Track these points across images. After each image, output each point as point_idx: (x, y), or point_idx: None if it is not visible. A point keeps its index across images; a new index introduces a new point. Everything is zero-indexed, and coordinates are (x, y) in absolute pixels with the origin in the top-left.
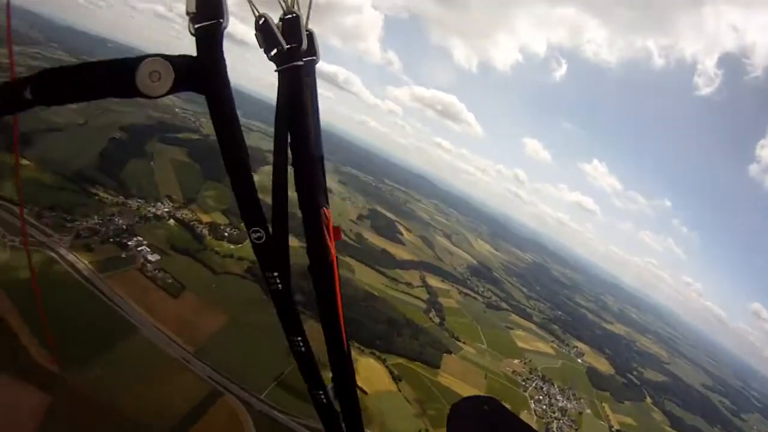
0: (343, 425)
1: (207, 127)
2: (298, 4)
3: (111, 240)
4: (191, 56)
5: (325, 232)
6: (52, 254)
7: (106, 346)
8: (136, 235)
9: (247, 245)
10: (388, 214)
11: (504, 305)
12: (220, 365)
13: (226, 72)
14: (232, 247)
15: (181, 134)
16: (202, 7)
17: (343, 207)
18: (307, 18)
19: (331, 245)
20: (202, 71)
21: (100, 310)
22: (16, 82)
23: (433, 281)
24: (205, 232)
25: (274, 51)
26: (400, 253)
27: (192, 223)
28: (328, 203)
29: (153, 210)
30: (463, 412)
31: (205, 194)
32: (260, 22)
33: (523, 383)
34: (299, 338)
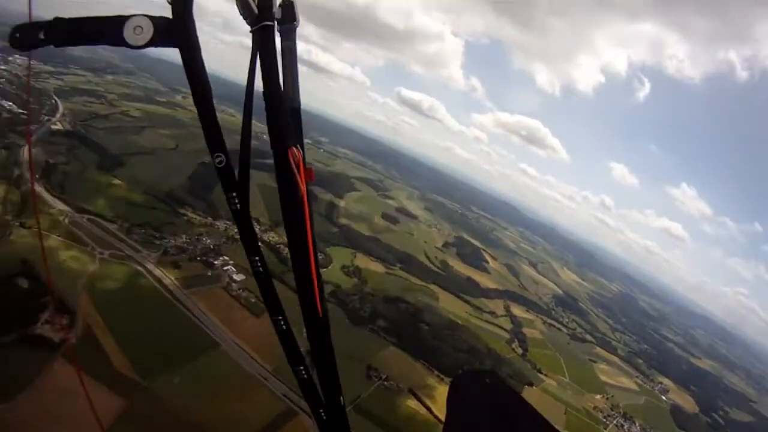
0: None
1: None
2: None
3: (198, 258)
4: (168, 18)
5: (294, 169)
6: (139, 268)
7: (186, 359)
8: (222, 255)
9: (332, 269)
10: (474, 242)
11: (588, 337)
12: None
13: (195, 30)
14: None
15: (267, 159)
16: None
17: (429, 234)
18: None
19: (302, 183)
20: (177, 29)
21: (183, 324)
22: (33, 24)
23: (518, 311)
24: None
25: (249, 16)
26: (485, 281)
27: (278, 246)
28: (300, 146)
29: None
30: (464, 386)
31: None
32: None
33: (604, 420)
34: (257, 258)
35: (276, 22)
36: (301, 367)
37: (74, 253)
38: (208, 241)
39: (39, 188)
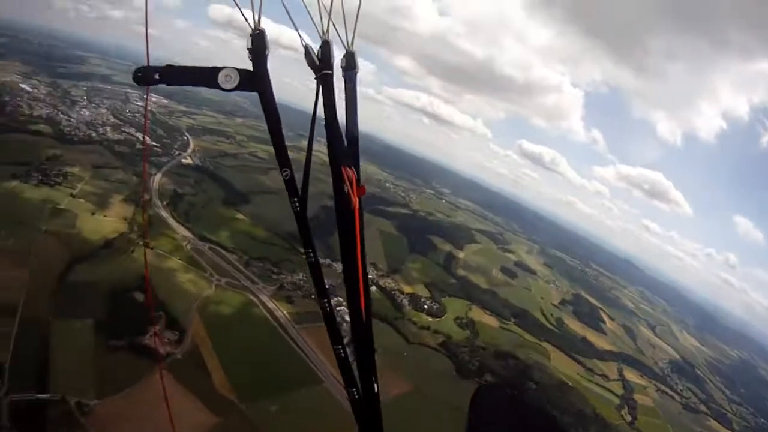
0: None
1: (416, 202)
2: (332, 31)
3: (312, 296)
4: (250, 69)
5: (347, 184)
6: (253, 298)
7: (286, 389)
8: (337, 296)
9: (446, 320)
10: (592, 300)
11: (703, 408)
12: (393, 429)
13: (269, 79)
14: (430, 319)
15: (390, 207)
16: (255, 44)
17: (546, 290)
18: (352, 42)
19: (353, 196)
20: (256, 79)
21: (288, 356)
22: (152, 67)
23: (631, 375)
24: (405, 302)
25: (313, 66)
26: (601, 342)
27: (393, 292)
28: (354, 168)
29: None
30: (485, 396)
31: (410, 266)
32: (306, 49)
33: None
34: (310, 249)
35: (341, 69)
36: (339, 347)
37: (192, 276)
38: (325, 281)
39: (165, 214)
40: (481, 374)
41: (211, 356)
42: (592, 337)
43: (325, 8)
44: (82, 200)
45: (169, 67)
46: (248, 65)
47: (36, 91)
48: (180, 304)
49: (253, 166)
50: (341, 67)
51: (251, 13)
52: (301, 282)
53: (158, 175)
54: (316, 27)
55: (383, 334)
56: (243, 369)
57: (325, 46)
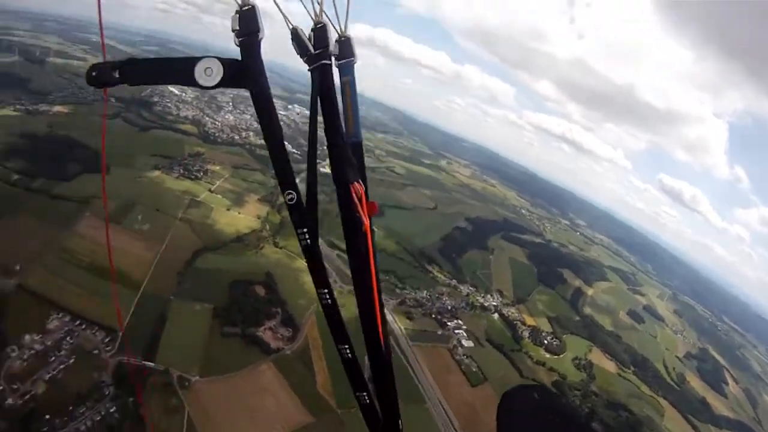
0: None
1: (551, 232)
2: (328, 15)
3: (432, 315)
4: (238, 59)
5: (357, 204)
6: None
7: None
8: (457, 318)
9: (564, 358)
10: (718, 358)
11: None
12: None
13: (264, 72)
14: (547, 355)
15: (524, 235)
16: (243, 25)
17: (672, 341)
18: (345, 26)
19: (364, 217)
20: (246, 71)
21: (396, 370)
22: (109, 63)
23: None
24: (525, 334)
25: (306, 55)
26: (719, 405)
27: (515, 322)
28: (362, 180)
29: (481, 300)
30: (513, 401)
31: (536, 297)
32: (293, 33)
33: None
34: (326, 291)
35: (334, 58)
36: (365, 393)
37: None
38: (448, 301)
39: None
40: (589, 421)
41: (319, 357)
42: (711, 398)
43: None
44: (219, 196)
45: (132, 61)
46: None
47: (184, 94)
48: (300, 304)
49: (390, 181)
50: (334, 55)
51: None
52: (424, 300)
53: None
54: (306, 7)
55: (496, 364)
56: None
57: (320, 30)
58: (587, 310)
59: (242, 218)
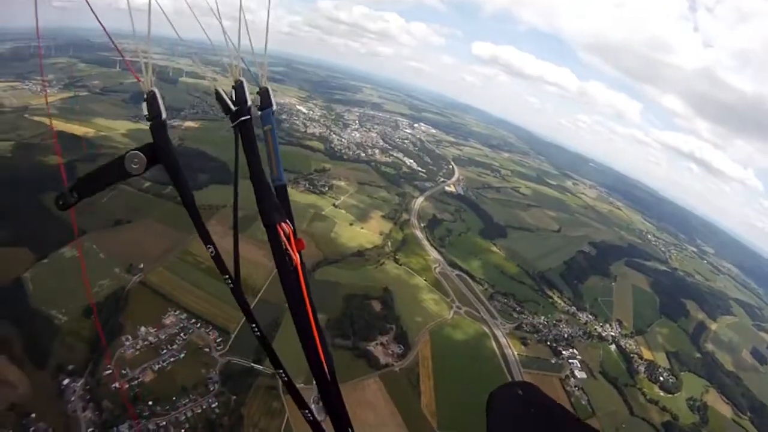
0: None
1: (677, 260)
2: (258, 75)
3: (548, 342)
4: (150, 142)
5: (285, 243)
6: (488, 331)
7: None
8: (573, 348)
9: (678, 397)
10: None
11: None
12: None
13: (172, 147)
14: (661, 393)
15: (648, 262)
16: (150, 111)
17: None
18: (264, 77)
19: (294, 253)
20: (159, 150)
21: None
22: (68, 188)
23: None
24: (642, 368)
25: (228, 112)
26: None
27: (632, 355)
28: (289, 220)
29: (599, 329)
30: (501, 399)
31: (657, 330)
32: (216, 93)
33: None
34: (254, 325)
35: (257, 109)
36: (307, 411)
37: (435, 297)
38: (565, 329)
39: (421, 235)
40: None
41: (427, 376)
42: None
43: (235, 46)
44: (343, 211)
45: (79, 180)
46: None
47: (311, 113)
48: (416, 321)
49: (514, 201)
50: (256, 106)
51: (145, 73)
52: (541, 326)
53: (420, 199)
54: (228, 67)
55: (608, 398)
56: (453, 397)
57: (240, 88)
58: (709, 347)
59: (365, 233)
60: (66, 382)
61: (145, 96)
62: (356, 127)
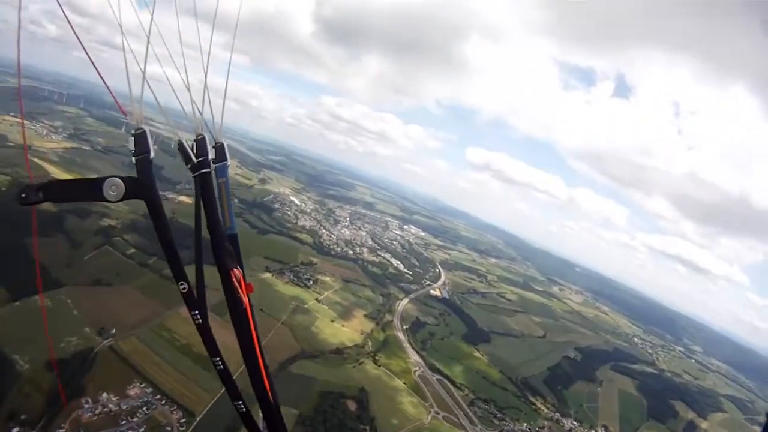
0: None
1: (664, 361)
2: (210, 127)
3: None
4: (135, 177)
5: (237, 287)
6: None
7: None
8: None
9: None
10: None
11: None
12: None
13: (155, 185)
14: None
15: (635, 365)
16: (137, 147)
17: None
18: (220, 132)
19: (244, 296)
20: (142, 186)
21: None
22: (34, 186)
23: None
24: None
25: (190, 164)
26: None
27: None
28: (239, 266)
29: None
30: None
31: None
32: (179, 144)
33: None
34: (218, 359)
35: (212, 161)
36: (240, 402)
37: (413, 400)
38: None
39: (403, 337)
40: None
41: None
42: None
43: (197, 104)
44: (326, 306)
45: (51, 183)
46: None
47: (304, 205)
48: (390, 424)
49: (499, 306)
50: (212, 159)
51: (135, 108)
52: None
53: (404, 300)
54: (191, 122)
55: None
56: None
57: (201, 141)
58: None
59: (346, 331)
60: (15, 430)
61: (134, 131)
62: (347, 224)
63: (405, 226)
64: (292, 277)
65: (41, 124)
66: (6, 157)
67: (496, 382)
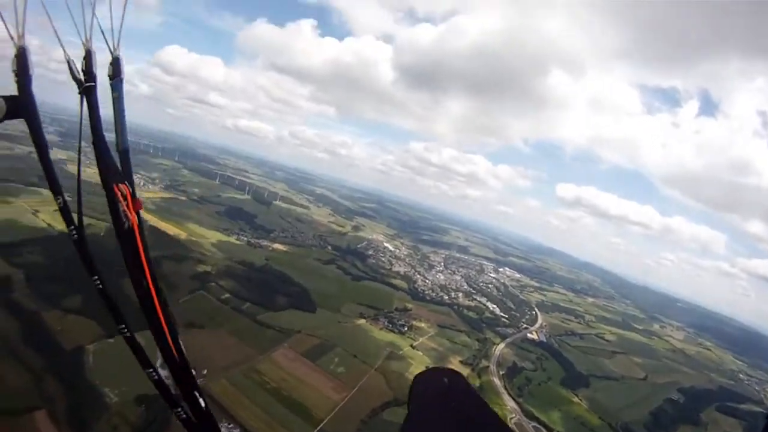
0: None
1: None
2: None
3: None
4: (15, 95)
5: (122, 202)
6: None
7: None
8: None
9: None
10: None
11: None
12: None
13: (35, 103)
14: None
15: (742, 404)
16: (18, 66)
17: None
18: (117, 46)
19: (131, 213)
20: (21, 104)
21: None
22: None
23: None
24: None
25: (77, 81)
26: None
27: None
28: (127, 181)
29: None
30: (424, 384)
31: None
32: (68, 62)
33: None
34: (95, 278)
35: (108, 78)
36: (151, 370)
37: None
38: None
39: (499, 383)
40: None
41: None
42: None
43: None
44: (420, 352)
45: None
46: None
47: (398, 251)
48: None
49: (598, 348)
50: (108, 75)
51: (15, 26)
52: None
53: (501, 345)
54: (80, 35)
55: None
56: None
57: (88, 56)
58: None
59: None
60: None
61: (16, 51)
62: (441, 269)
63: (500, 269)
64: (386, 323)
65: (138, 175)
66: (105, 204)
67: (595, 428)
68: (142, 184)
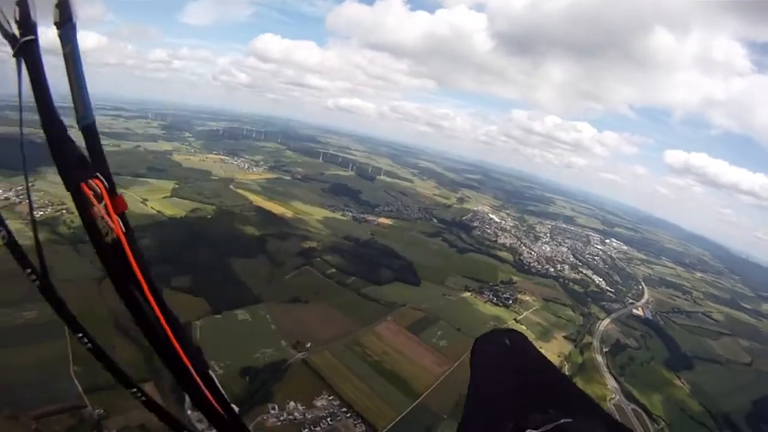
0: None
1: None
2: None
3: None
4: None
5: (97, 206)
6: None
7: None
8: None
9: None
10: None
11: None
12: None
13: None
14: None
15: None
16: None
17: None
18: None
19: (112, 219)
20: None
21: None
22: None
23: None
24: None
25: (8, 38)
26: None
27: None
28: (100, 172)
29: None
30: (486, 345)
31: None
32: None
33: None
34: (31, 272)
35: (55, 26)
36: (135, 390)
37: None
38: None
39: (601, 360)
40: None
41: None
42: None
43: None
44: (524, 327)
45: None
46: None
47: (503, 222)
48: None
49: (705, 328)
50: (54, 23)
51: None
52: None
53: (605, 321)
54: None
55: None
56: None
57: (22, 3)
58: None
59: (544, 353)
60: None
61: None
62: (547, 240)
63: (607, 240)
64: (491, 296)
65: (242, 159)
66: (211, 188)
67: (694, 415)
68: (246, 167)
